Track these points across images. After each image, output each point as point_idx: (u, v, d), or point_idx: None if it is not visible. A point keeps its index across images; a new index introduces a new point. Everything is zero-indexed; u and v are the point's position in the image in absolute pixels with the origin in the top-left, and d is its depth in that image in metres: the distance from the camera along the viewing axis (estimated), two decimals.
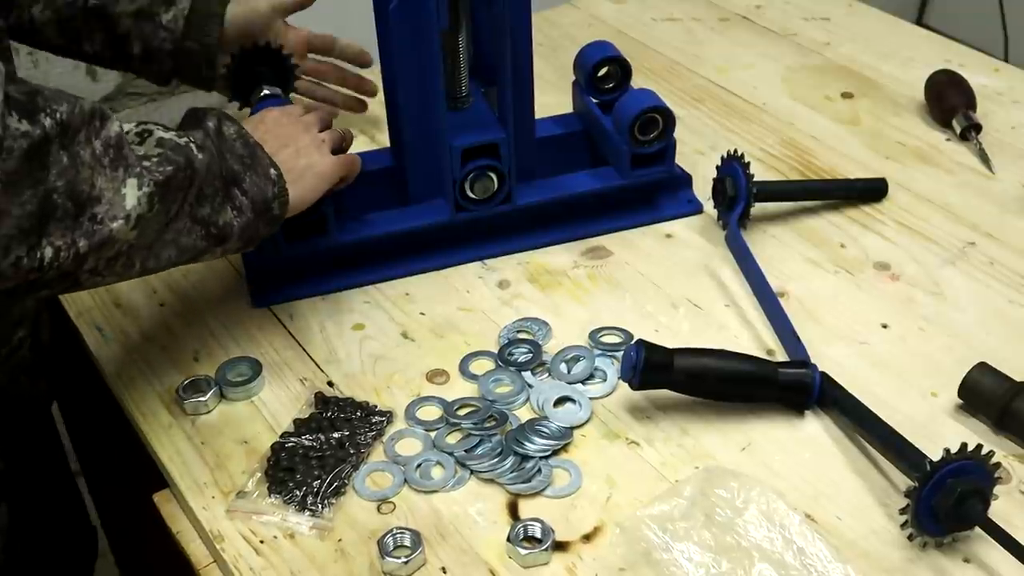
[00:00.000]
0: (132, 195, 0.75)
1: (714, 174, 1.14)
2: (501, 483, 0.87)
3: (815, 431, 0.91)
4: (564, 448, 0.90)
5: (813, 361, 0.93)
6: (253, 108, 1.11)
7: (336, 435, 0.91)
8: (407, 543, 0.82)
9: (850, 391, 0.91)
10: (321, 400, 0.95)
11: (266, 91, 1.13)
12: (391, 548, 0.82)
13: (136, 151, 0.78)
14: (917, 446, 0.84)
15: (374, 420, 0.93)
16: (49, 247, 0.71)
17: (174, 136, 0.81)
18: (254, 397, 0.96)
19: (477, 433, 0.90)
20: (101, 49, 1.14)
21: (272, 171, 0.90)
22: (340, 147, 1.03)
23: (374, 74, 1.40)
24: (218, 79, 1.16)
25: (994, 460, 0.79)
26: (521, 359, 0.98)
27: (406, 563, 0.80)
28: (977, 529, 0.79)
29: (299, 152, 0.95)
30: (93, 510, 1.50)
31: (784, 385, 0.91)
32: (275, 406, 0.95)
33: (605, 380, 0.96)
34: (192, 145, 0.82)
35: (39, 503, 1.11)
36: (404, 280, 1.09)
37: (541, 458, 0.89)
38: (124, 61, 1.15)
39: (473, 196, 1.07)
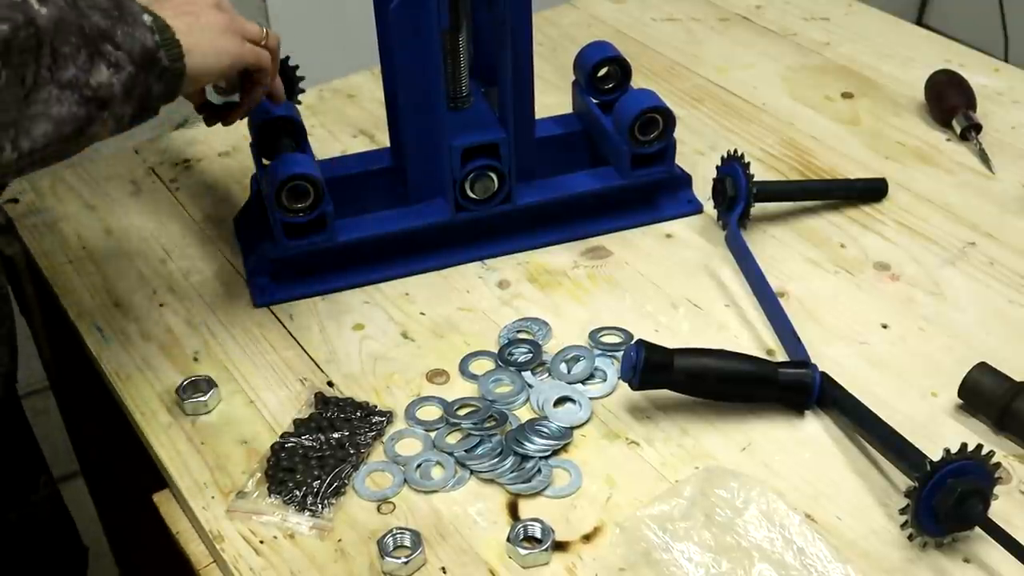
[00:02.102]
0: None
1: (714, 174, 1.14)
2: (501, 483, 0.87)
3: (815, 431, 0.91)
4: (564, 448, 0.90)
5: (813, 361, 0.93)
6: (254, 112, 1.11)
7: (336, 435, 0.91)
8: (407, 543, 0.82)
9: (850, 391, 0.91)
10: (321, 400, 0.95)
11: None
12: (391, 548, 0.82)
13: None
14: (917, 446, 0.84)
15: (374, 420, 0.93)
16: None
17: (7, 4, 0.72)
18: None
19: (477, 433, 0.90)
20: None
21: (145, 17, 0.80)
22: (256, 38, 0.94)
23: (374, 74, 1.40)
24: None
25: (994, 460, 0.79)
26: (521, 359, 0.98)
27: (406, 563, 0.80)
28: (977, 529, 0.79)
29: (198, 22, 0.86)
30: (94, 515, 1.50)
31: (784, 385, 0.91)
32: (275, 406, 0.95)
33: (605, 380, 0.96)
34: (31, 1, 0.72)
35: (22, 528, 1.10)
36: (404, 280, 1.09)
37: (541, 458, 0.89)
38: None
39: (473, 196, 1.07)
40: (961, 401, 0.92)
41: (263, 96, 0.97)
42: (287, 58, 1.15)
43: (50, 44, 0.72)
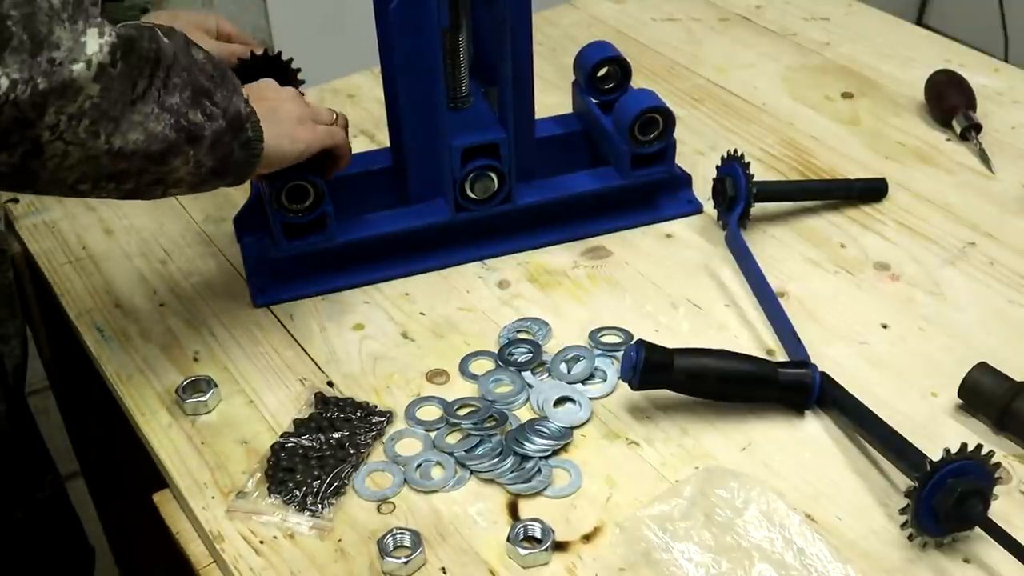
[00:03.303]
0: (94, 42, 0.73)
1: (714, 174, 1.14)
2: (501, 483, 0.87)
3: (815, 431, 0.91)
4: (564, 448, 0.90)
5: (813, 361, 0.93)
6: None
7: (336, 435, 0.91)
8: (407, 543, 0.82)
9: (850, 391, 0.91)
10: (321, 400, 0.95)
11: None
12: (391, 548, 0.82)
13: (95, 11, 0.75)
14: (917, 446, 0.84)
15: (374, 420, 0.93)
16: (5, 78, 0.69)
17: (138, 23, 0.79)
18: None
19: (477, 433, 0.90)
20: None
21: (243, 92, 0.88)
22: (328, 122, 1.00)
23: (374, 74, 1.40)
24: None
25: (994, 460, 0.79)
26: (521, 359, 0.98)
27: (406, 563, 0.80)
28: (977, 529, 0.79)
29: (278, 110, 0.93)
30: (94, 515, 1.50)
31: (784, 385, 0.91)
32: (275, 406, 0.95)
33: (605, 380, 0.96)
34: (158, 31, 0.80)
35: (28, 527, 1.10)
36: (404, 280, 1.09)
37: (541, 458, 0.89)
38: None
39: (473, 196, 1.07)
40: (961, 401, 0.92)
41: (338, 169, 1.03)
42: (291, 60, 1.15)
43: (166, 69, 0.79)
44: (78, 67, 0.72)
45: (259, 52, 1.14)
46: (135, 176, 0.81)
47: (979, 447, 0.79)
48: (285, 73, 1.16)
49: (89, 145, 0.76)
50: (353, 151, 1.25)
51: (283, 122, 0.93)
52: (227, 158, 0.86)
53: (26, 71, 0.69)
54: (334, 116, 1.00)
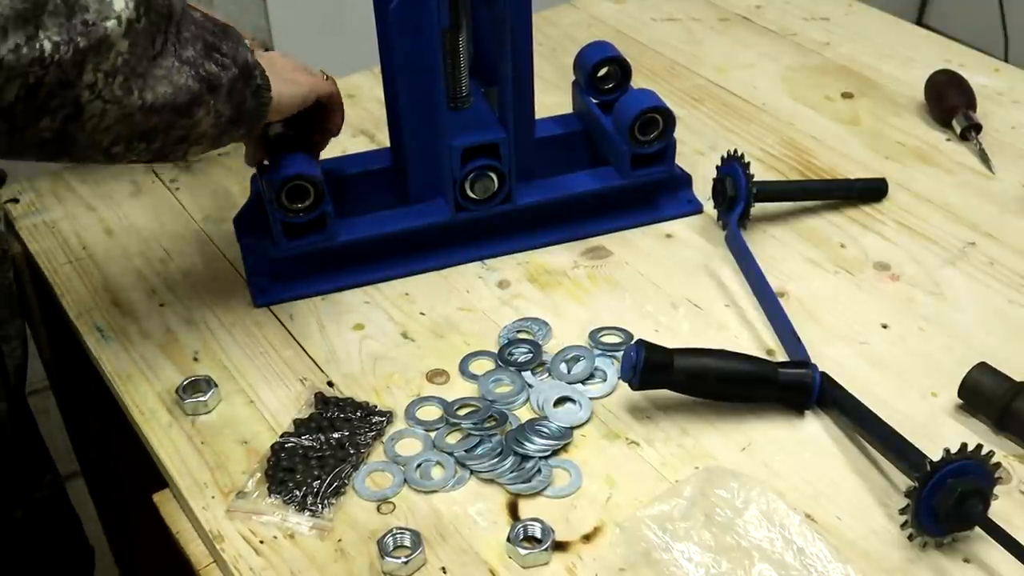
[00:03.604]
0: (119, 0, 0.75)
1: (714, 174, 1.14)
2: (501, 483, 0.87)
3: (815, 431, 0.91)
4: (564, 448, 0.90)
5: (813, 361, 0.93)
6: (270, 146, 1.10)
7: (336, 435, 0.91)
8: (407, 543, 0.82)
9: (850, 391, 0.91)
10: (321, 400, 0.95)
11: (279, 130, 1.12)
12: (391, 548, 0.82)
13: None
14: (917, 446, 0.84)
15: (374, 420, 0.93)
16: (47, 41, 0.71)
17: None
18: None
19: (477, 433, 0.90)
20: None
21: (246, 42, 0.90)
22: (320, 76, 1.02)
23: (374, 74, 1.40)
24: None
25: (994, 460, 0.79)
26: (521, 359, 0.98)
27: (406, 563, 0.80)
28: (977, 529, 0.79)
29: (274, 63, 0.95)
30: (94, 515, 1.50)
31: (784, 385, 0.91)
32: (275, 406, 0.95)
33: (605, 380, 0.96)
34: None
35: (27, 526, 1.10)
36: (404, 280, 1.09)
37: (541, 458, 0.89)
38: None
39: (473, 196, 1.07)
40: (961, 401, 0.92)
41: (340, 124, 1.05)
42: None
43: (177, 24, 0.81)
44: (110, 23, 0.74)
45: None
46: (163, 133, 0.83)
47: (979, 447, 0.79)
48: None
49: (125, 102, 0.78)
50: (353, 151, 1.26)
51: (283, 70, 0.95)
52: (242, 105, 0.89)
53: (65, 33, 0.72)
54: (323, 73, 1.03)
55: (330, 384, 0.97)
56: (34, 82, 0.72)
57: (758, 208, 1.12)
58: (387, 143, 1.15)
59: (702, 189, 1.17)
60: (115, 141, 0.80)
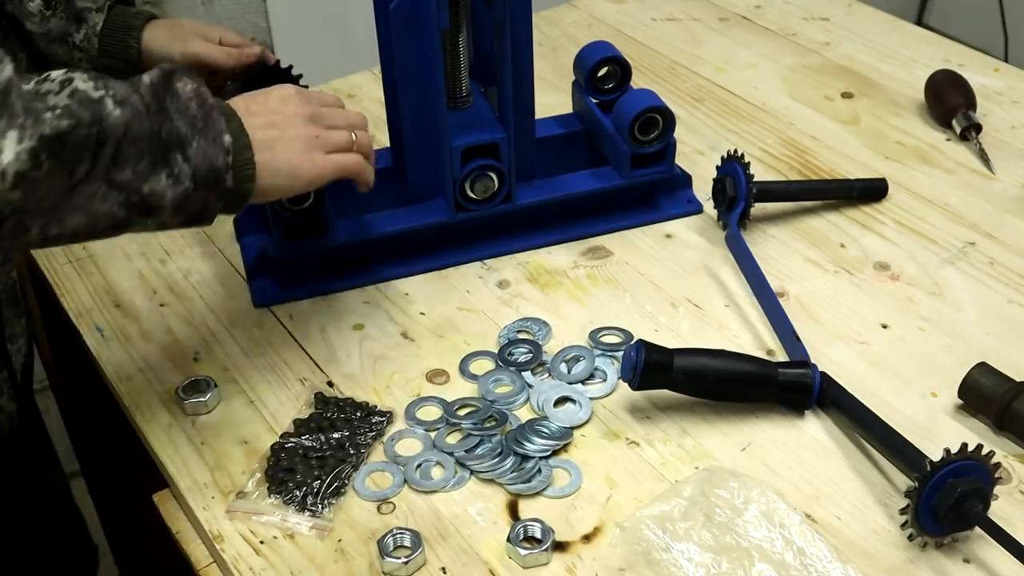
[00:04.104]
0: (11, 149, 0.67)
1: (714, 174, 1.14)
2: (501, 483, 0.87)
3: (815, 431, 0.91)
4: (564, 448, 0.90)
5: (813, 361, 0.93)
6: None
7: (336, 435, 0.91)
8: (407, 543, 0.82)
9: (850, 391, 0.91)
10: (321, 400, 0.95)
11: None
12: (391, 548, 0.82)
13: (34, 102, 0.69)
14: (917, 446, 0.84)
15: (374, 420, 0.93)
16: None
17: (90, 88, 0.72)
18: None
19: (477, 433, 0.90)
20: (27, 70, 1.12)
21: (226, 138, 0.80)
22: (344, 147, 0.91)
23: (374, 74, 1.40)
24: None
25: (994, 460, 0.79)
26: (521, 359, 0.98)
27: (406, 563, 0.80)
28: (977, 529, 0.79)
29: (282, 139, 0.86)
30: (94, 515, 1.50)
31: (784, 385, 0.91)
32: (275, 406, 0.95)
33: (605, 380, 0.96)
34: (108, 100, 0.73)
35: (30, 523, 1.10)
36: (404, 280, 1.09)
37: (541, 458, 0.89)
38: None
39: (473, 196, 1.07)
40: (961, 401, 0.92)
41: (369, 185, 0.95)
42: (290, 67, 1.16)
43: (115, 145, 0.73)
44: None
45: (270, 63, 1.14)
46: (81, 242, 0.78)
47: (979, 447, 0.79)
48: (282, 74, 1.16)
49: (19, 240, 0.72)
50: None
51: (285, 152, 0.86)
52: (202, 212, 0.81)
53: None
54: (351, 137, 0.91)
55: (330, 384, 0.97)
56: None
57: (758, 208, 1.12)
58: (387, 143, 1.15)
59: (702, 189, 1.17)
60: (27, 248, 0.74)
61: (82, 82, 0.72)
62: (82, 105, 0.71)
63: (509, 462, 0.88)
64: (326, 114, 0.91)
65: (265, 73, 1.15)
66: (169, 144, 0.76)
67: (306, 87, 1.17)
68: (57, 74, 0.72)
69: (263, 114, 0.86)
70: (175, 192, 0.77)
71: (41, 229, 0.72)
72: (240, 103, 0.85)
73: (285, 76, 1.16)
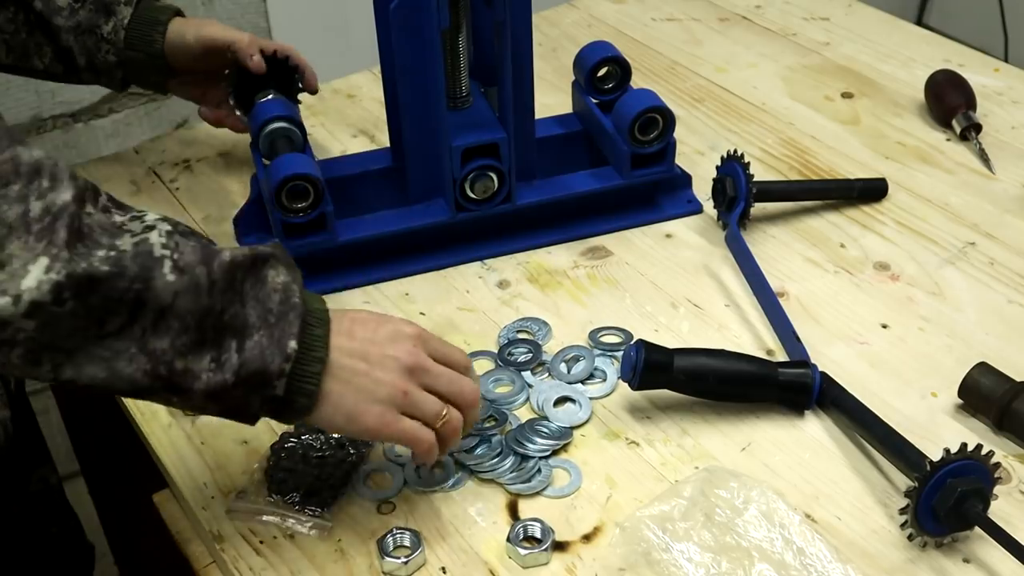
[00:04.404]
0: (35, 275, 0.63)
1: (714, 174, 1.14)
2: (501, 483, 0.87)
3: (815, 431, 0.91)
4: (564, 448, 0.90)
5: (813, 361, 0.93)
6: (254, 109, 1.12)
7: (336, 435, 0.91)
8: (407, 543, 0.82)
9: (850, 391, 0.91)
10: None
11: (271, 95, 1.13)
12: (391, 548, 0.82)
13: (96, 224, 0.67)
14: (917, 446, 0.84)
15: None
16: None
17: (158, 245, 0.69)
18: None
19: (477, 433, 0.90)
20: (50, 64, 1.12)
21: (291, 344, 0.72)
22: (428, 419, 0.79)
23: (374, 74, 1.40)
24: (172, 83, 1.17)
25: (994, 460, 0.79)
26: (521, 359, 0.98)
27: (406, 563, 0.80)
28: (977, 529, 0.79)
29: (366, 376, 0.77)
30: (94, 515, 1.50)
31: (784, 385, 0.91)
32: None
33: (605, 380, 0.96)
34: (167, 263, 0.69)
35: (23, 523, 1.10)
36: (404, 280, 1.09)
37: (541, 458, 0.89)
38: (74, 74, 1.14)
39: (473, 196, 1.07)
40: (961, 401, 0.92)
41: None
42: (287, 58, 1.15)
43: (158, 311, 0.68)
44: (3, 300, 0.63)
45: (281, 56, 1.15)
46: (104, 394, 0.72)
47: (979, 447, 0.79)
48: (285, 75, 1.16)
49: (28, 371, 0.67)
50: (353, 151, 1.26)
51: (360, 393, 0.76)
52: (241, 408, 0.74)
53: None
54: (442, 414, 0.79)
55: None
56: None
57: (758, 208, 1.12)
58: (387, 143, 1.15)
59: (702, 189, 1.17)
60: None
61: (157, 235, 0.69)
62: (136, 258, 0.67)
63: (509, 462, 0.88)
64: (431, 374, 0.80)
65: (268, 67, 1.14)
66: (228, 328, 0.71)
67: (302, 78, 1.17)
68: (149, 218, 0.70)
69: (362, 341, 0.77)
70: (211, 379, 0.71)
71: (54, 368, 0.68)
72: (347, 320, 0.78)
73: (283, 69, 1.15)
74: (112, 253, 0.67)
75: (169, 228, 0.70)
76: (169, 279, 0.68)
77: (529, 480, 0.87)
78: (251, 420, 0.76)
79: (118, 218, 0.69)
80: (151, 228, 0.69)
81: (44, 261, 0.64)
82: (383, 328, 0.79)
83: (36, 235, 0.64)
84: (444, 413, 0.79)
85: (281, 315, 0.72)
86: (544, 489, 0.87)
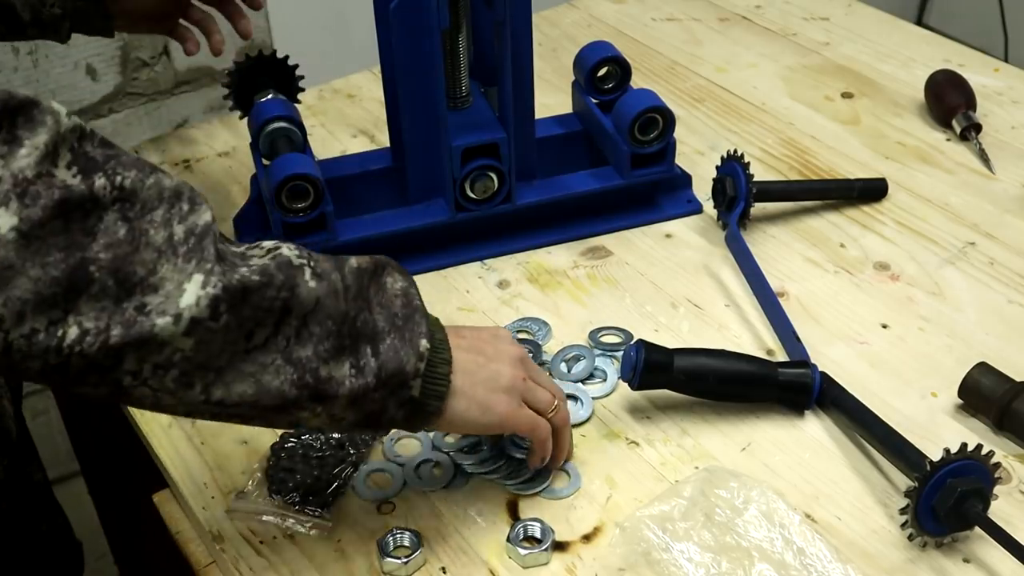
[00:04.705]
0: (192, 292, 0.64)
1: (714, 174, 1.14)
2: (501, 483, 0.87)
3: (815, 431, 0.91)
4: None
5: (813, 361, 0.93)
6: (253, 109, 1.12)
7: (336, 435, 0.91)
8: (407, 543, 0.82)
9: (850, 391, 0.91)
10: None
11: (271, 95, 1.13)
12: (391, 548, 0.82)
13: (228, 249, 0.68)
14: (917, 446, 0.84)
15: None
16: (76, 327, 0.61)
17: (294, 256, 0.70)
18: None
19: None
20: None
21: (423, 343, 0.74)
22: (543, 408, 0.83)
23: (374, 74, 1.40)
24: (118, 23, 1.13)
25: (994, 460, 0.79)
26: None
27: (406, 563, 0.80)
28: (977, 529, 0.79)
29: (487, 367, 0.79)
30: (94, 515, 1.50)
31: (784, 385, 0.91)
32: None
33: (605, 380, 0.96)
34: (307, 269, 0.70)
35: (14, 522, 1.09)
36: None
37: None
38: (19, 32, 1.10)
39: (473, 196, 1.07)
40: (961, 401, 0.92)
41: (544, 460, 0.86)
42: (286, 57, 1.16)
43: (302, 318, 0.69)
44: (163, 321, 0.63)
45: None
46: (242, 421, 0.72)
47: (979, 447, 0.79)
48: (285, 75, 1.16)
49: (180, 395, 0.67)
50: (353, 151, 1.26)
51: (487, 383, 0.79)
52: (377, 415, 0.74)
53: (104, 318, 0.61)
54: (554, 403, 0.83)
55: None
56: (56, 365, 0.62)
57: (758, 208, 1.12)
58: (387, 143, 1.15)
59: (702, 189, 1.17)
60: (188, 415, 0.70)
61: (288, 249, 0.70)
62: (279, 267, 0.68)
63: (509, 462, 0.88)
64: (534, 369, 0.84)
65: (263, 66, 1.15)
66: (362, 334, 0.72)
67: (302, 77, 1.17)
68: (268, 243, 0.71)
69: (471, 338, 0.81)
70: (354, 384, 0.71)
71: (205, 388, 0.67)
72: (448, 327, 0.80)
73: (283, 68, 1.15)
74: (255, 264, 0.68)
75: (292, 245, 0.71)
76: (311, 285, 0.69)
77: (529, 480, 0.87)
78: (385, 428, 0.77)
79: (241, 248, 0.71)
80: (277, 247, 0.70)
81: (199, 278, 0.64)
82: (483, 330, 0.83)
83: (184, 256, 0.64)
84: (555, 403, 0.83)
85: (407, 318, 0.74)
86: (543, 490, 0.87)
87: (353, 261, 0.74)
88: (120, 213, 0.62)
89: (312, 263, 0.70)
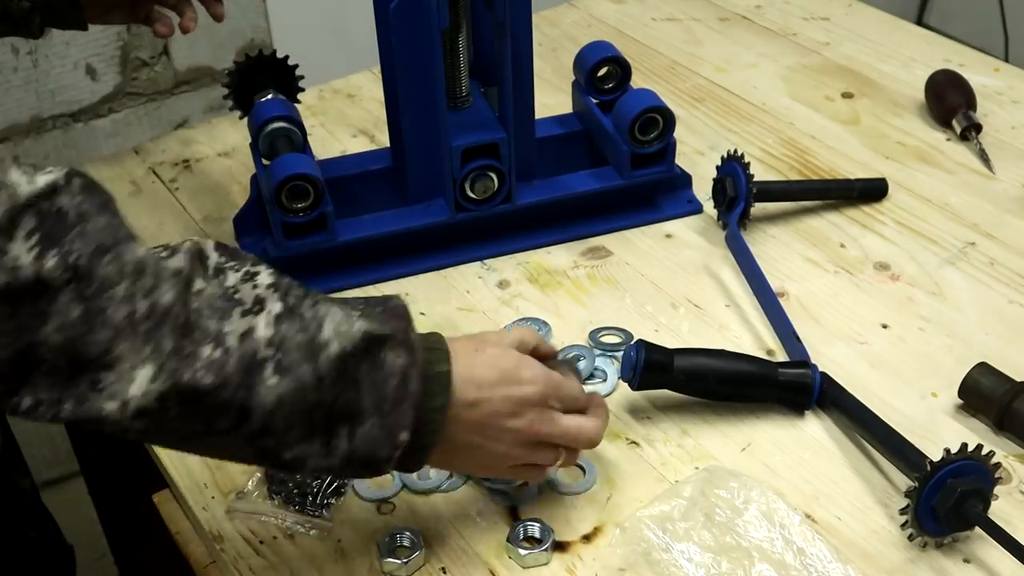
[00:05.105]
0: (140, 384, 0.61)
1: (714, 174, 1.14)
2: (500, 484, 0.87)
3: (815, 431, 0.91)
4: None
5: (813, 361, 0.93)
6: (253, 109, 1.12)
7: None
8: (407, 543, 0.82)
9: (850, 391, 0.91)
10: None
11: (271, 95, 1.13)
12: (391, 548, 0.82)
13: (197, 320, 0.63)
14: (917, 446, 0.84)
15: None
16: (29, 397, 0.60)
17: (262, 343, 0.65)
18: None
19: None
20: None
21: (402, 436, 0.69)
22: (542, 469, 0.82)
23: (374, 74, 1.40)
24: (91, 14, 1.11)
25: (994, 460, 0.79)
26: None
27: (406, 563, 0.80)
28: (977, 529, 0.79)
29: (480, 451, 0.77)
30: (94, 515, 1.50)
31: (784, 385, 0.91)
32: None
33: (605, 380, 0.96)
34: (269, 366, 0.65)
35: (1, 531, 1.09)
36: (404, 280, 1.09)
37: None
38: None
39: (473, 196, 1.07)
40: (961, 401, 0.92)
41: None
42: (286, 57, 1.15)
43: (263, 418, 0.66)
44: (111, 405, 0.61)
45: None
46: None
47: (979, 447, 0.79)
48: (285, 75, 1.16)
49: (156, 444, 0.73)
50: (353, 151, 1.26)
51: (469, 462, 0.79)
52: (344, 479, 0.81)
53: (56, 391, 0.60)
54: (557, 460, 0.80)
55: None
56: (16, 414, 0.62)
57: (758, 208, 1.12)
58: (387, 143, 1.15)
59: (702, 189, 1.17)
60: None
61: (265, 320, 0.66)
62: (238, 364, 0.64)
63: None
64: (552, 436, 0.79)
65: (263, 66, 1.15)
66: (340, 416, 0.68)
67: (302, 77, 1.17)
68: (264, 279, 0.68)
69: (483, 413, 0.75)
70: (319, 464, 0.69)
71: (171, 447, 0.72)
72: (472, 387, 0.75)
73: (283, 68, 1.15)
74: (217, 354, 0.63)
75: (280, 310, 0.67)
76: (270, 383, 0.65)
77: (524, 484, 0.87)
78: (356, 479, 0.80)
79: (231, 279, 0.67)
80: (260, 303, 0.66)
81: (149, 371, 0.61)
82: (509, 393, 0.76)
83: (143, 337, 0.61)
84: (558, 460, 0.80)
85: (396, 402, 0.69)
86: (540, 491, 0.86)
87: (334, 347, 0.67)
88: (75, 293, 0.60)
89: (280, 354, 0.65)
